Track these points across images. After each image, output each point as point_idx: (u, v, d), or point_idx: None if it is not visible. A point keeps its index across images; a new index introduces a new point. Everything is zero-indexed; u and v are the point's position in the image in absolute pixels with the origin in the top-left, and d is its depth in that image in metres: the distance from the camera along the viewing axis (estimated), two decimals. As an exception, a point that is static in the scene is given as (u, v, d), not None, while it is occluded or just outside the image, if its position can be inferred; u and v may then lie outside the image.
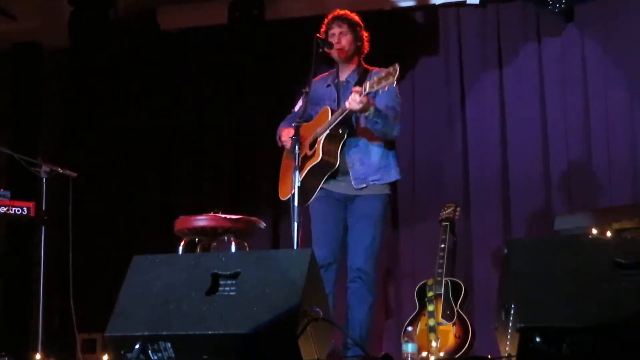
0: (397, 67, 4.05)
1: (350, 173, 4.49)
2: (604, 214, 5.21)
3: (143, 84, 7.08)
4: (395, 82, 4.08)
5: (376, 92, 4.22)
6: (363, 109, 4.26)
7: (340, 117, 4.35)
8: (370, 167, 4.51)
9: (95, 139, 7.06)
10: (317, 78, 4.70)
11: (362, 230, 4.50)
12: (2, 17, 6.74)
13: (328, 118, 4.44)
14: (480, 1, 6.46)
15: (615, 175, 6.03)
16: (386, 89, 4.13)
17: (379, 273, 5.00)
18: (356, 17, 4.71)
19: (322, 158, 4.37)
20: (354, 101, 4.21)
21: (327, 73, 4.76)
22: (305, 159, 4.43)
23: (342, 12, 4.70)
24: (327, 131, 4.39)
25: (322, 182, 4.50)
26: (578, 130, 6.17)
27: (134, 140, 7.01)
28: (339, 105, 4.56)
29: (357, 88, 4.24)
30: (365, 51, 4.71)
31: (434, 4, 6.61)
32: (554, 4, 6.10)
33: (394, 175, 4.61)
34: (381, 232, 4.56)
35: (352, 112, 4.31)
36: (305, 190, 4.34)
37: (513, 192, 6.24)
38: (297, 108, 4.74)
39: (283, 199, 4.68)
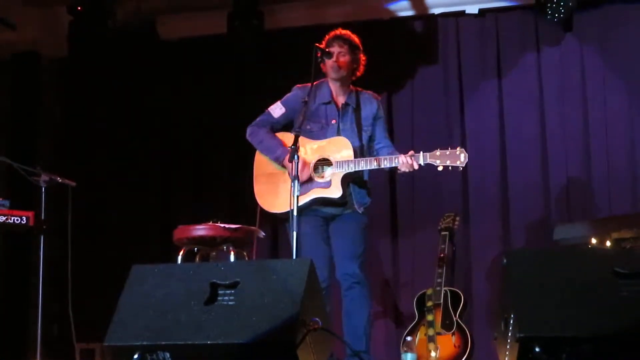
0: (466, 156, 4.28)
1: (354, 199, 4.58)
2: (603, 224, 5.20)
3: (142, 94, 7.07)
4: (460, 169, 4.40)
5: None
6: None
7: (379, 167, 4.47)
8: (361, 193, 4.63)
9: (94, 148, 7.05)
10: (300, 85, 4.69)
11: (352, 239, 4.57)
12: (2, 26, 6.74)
13: (349, 154, 4.45)
14: (479, 11, 6.48)
15: (614, 184, 6.03)
16: (450, 169, 4.35)
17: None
18: (357, 40, 4.70)
19: (342, 195, 4.46)
20: (405, 166, 4.37)
21: (310, 85, 4.50)
22: (312, 182, 4.48)
23: (345, 32, 4.69)
24: (352, 171, 4.46)
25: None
26: (577, 139, 6.18)
27: (133, 150, 7.01)
28: (338, 128, 4.60)
29: (413, 153, 4.37)
30: (359, 74, 4.74)
31: (433, 14, 6.62)
32: (553, 14, 6.10)
33: (370, 198, 4.74)
34: (367, 241, 4.70)
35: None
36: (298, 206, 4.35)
37: (512, 202, 6.24)
38: (276, 114, 4.72)
39: (271, 211, 4.64)
